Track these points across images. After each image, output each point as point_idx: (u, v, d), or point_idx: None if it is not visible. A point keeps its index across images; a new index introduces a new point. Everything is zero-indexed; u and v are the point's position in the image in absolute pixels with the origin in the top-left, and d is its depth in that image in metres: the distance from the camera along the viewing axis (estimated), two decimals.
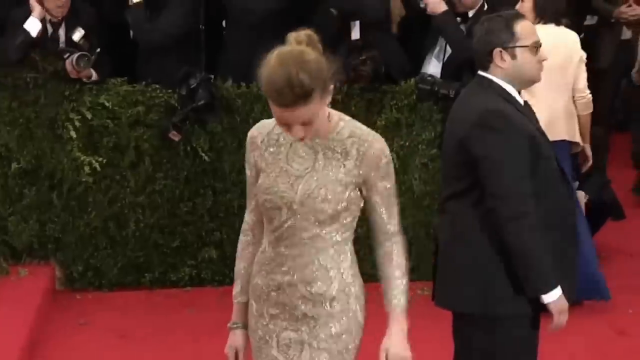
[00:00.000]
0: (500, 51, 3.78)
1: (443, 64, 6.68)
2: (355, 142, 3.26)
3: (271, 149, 3.31)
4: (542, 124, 3.99)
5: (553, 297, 3.70)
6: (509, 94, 3.81)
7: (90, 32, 6.50)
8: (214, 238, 6.69)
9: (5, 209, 6.54)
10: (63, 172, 6.51)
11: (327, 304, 3.28)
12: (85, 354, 5.70)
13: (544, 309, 3.75)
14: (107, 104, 6.45)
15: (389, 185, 3.30)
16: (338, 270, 3.31)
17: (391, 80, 6.72)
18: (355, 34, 6.78)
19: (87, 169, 6.44)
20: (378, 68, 6.62)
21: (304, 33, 3.13)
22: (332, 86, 3.13)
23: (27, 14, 6.38)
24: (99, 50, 6.33)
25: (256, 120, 6.66)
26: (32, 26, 6.31)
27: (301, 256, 3.27)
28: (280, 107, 3.05)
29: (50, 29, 6.48)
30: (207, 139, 6.57)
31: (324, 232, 3.27)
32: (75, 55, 6.27)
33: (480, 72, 3.87)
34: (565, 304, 3.74)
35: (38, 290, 6.23)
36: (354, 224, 3.36)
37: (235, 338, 3.50)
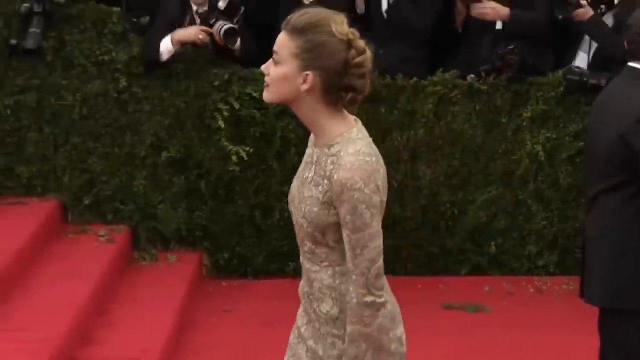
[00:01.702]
0: None
1: (591, 56, 6.59)
2: (333, 162, 3.01)
3: (308, 149, 3.18)
4: None
5: None
6: None
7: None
8: None
9: (155, 197, 6.71)
10: (211, 161, 6.64)
11: (332, 324, 3.11)
12: (229, 339, 5.80)
13: None
14: (254, 94, 6.54)
15: (348, 218, 2.95)
16: (338, 292, 3.08)
17: (536, 71, 6.64)
18: (499, 23, 6.72)
19: (234, 158, 6.55)
20: (524, 58, 6.55)
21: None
22: (325, 79, 2.96)
23: (178, 4, 6.55)
24: (238, 21, 6.39)
25: (400, 112, 6.76)
26: (166, 48, 6.44)
27: (309, 270, 3.15)
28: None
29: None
30: None
31: (317, 249, 3.09)
32: (224, 27, 6.33)
33: (632, 64, 3.78)
34: None
35: (185, 276, 6.37)
36: None
37: None
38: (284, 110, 6.53)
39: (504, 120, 6.65)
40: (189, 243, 6.71)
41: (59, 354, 4.97)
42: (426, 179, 6.68)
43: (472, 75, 6.62)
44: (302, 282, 3.21)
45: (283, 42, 3.00)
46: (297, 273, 6.65)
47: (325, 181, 3.01)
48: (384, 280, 3.05)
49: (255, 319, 6.08)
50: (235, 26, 6.35)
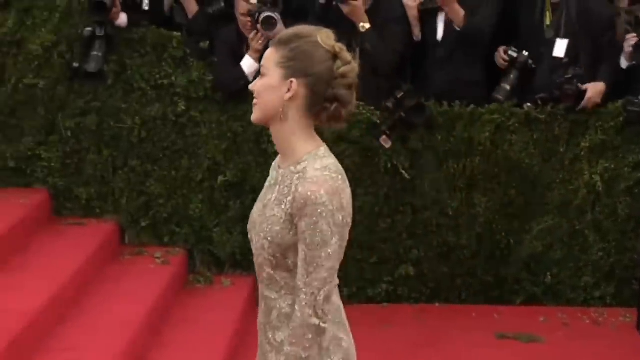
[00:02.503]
0: None
1: None
2: (298, 179, 2.98)
3: (272, 172, 3.17)
4: None
5: None
6: None
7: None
8: (412, 255, 6.70)
9: (210, 221, 6.75)
10: None
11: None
12: None
13: None
14: None
15: (307, 233, 2.90)
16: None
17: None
18: (560, 51, 6.67)
19: None
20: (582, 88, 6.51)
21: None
22: (306, 87, 2.98)
23: (235, 32, 6.61)
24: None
25: (457, 139, 6.76)
26: (250, 68, 6.49)
27: (267, 298, 3.08)
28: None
29: None
30: (408, 157, 6.60)
31: (277, 275, 3.04)
32: (263, 15, 6.34)
33: None
34: None
35: (240, 300, 6.38)
36: None
37: None
38: (339, 136, 6.55)
39: (561, 149, 6.61)
40: (243, 267, 6.73)
41: None
42: (482, 208, 6.64)
43: (529, 104, 6.59)
44: (259, 314, 3.14)
45: (269, 54, 3.02)
46: (350, 299, 6.68)
47: (289, 198, 2.97)
48: (336, 307, 3.03)
49: None
50: (274, 14, 6.34)
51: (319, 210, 2.89)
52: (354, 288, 6.73)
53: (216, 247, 6.73)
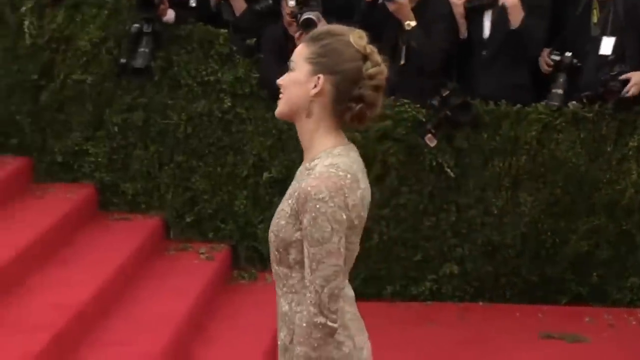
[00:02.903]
0: None
1: None
2: (309, 175, 2.96)
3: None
4: None
5: None
6: None
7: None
8: (456, 254, 6.68)
9: (255, 217, 6.78)
10: None
11: (283, 354, 3.03)
12: None
13: None
14: None
15: (308, 229, 2.87)
16: (292, 322, 3.00)
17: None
18: (606, 49, 6.61)
19: None
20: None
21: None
22: (334, 85, 2.95)
23: (282, 30, 6.63)
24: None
25: (503, 138, 6.73)
26: None
27: (276, 295, 3.09)
28: None
29: None
30: (453, 155, 6.58)
31: (280, 271, 3.03)
32: (303, 17, 6.34)
33: None
34: None
35: None
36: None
37: None
38: (385, 134, 6.54)
39: (609, 148, 6.55)
40: None
41: None
42: (527, 207, 6.60)
43: (574, 102, 6.54)
44: None
45: (299, 50, 3.03)
46: (394, 297, 6.69)
47: (296, 193, 2.95)
48: (348, 305, 3.01)
49: None
50: (314, 16, 6.33)
51: (318, 206, 2.86)
52: (397, 286, 6.72)
53: (260, 243, 6.75)
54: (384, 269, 6.71)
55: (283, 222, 2.96)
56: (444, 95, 6.43)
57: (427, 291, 6.73)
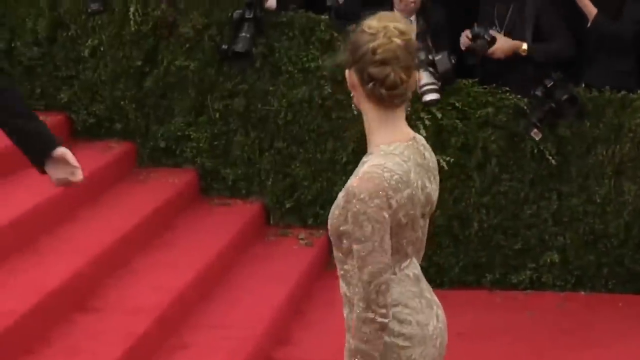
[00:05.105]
0: None
1: None
2: (361, 168, 2.96)
3: None
4: None
5: None
6: None
7: (438, 31, 6.59)
8: (557, 242, 6.60)
9: None
10: None
11: (348, 331, 3.11)
12: None
13: None
14: (457, 104, 6.53)
15: (351, 227, 2.89)
16: (350, 301, 3.08)
17: None
18: None
19: None
20: None
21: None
22: (362, 77, 2.92)
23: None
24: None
25: (607, 126, 6.61)
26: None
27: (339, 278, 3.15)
28: None
29: None
30: (555, 143, 6.50)
31: (337, 254, 3.07)
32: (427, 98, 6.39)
33: None
34: None
35: None
36: None
37: None
38: (486, 121, 6.49)
39: None
40: None
41: (256, 353, 5.10)
42: (631, 195, 6.48)
43: None
44: None
45: None
46: (493, 285, 6.65)
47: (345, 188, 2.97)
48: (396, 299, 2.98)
49: (448, 328, 6.04)
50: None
51: (358, 206, 2.86)
52: (497, 274, 6.67)
53: None
54: (483, 257, 6.67)
55: (337, 212, 2.98)
56: (548, 85, 6.34)
57: (527, 280, 6.66)
